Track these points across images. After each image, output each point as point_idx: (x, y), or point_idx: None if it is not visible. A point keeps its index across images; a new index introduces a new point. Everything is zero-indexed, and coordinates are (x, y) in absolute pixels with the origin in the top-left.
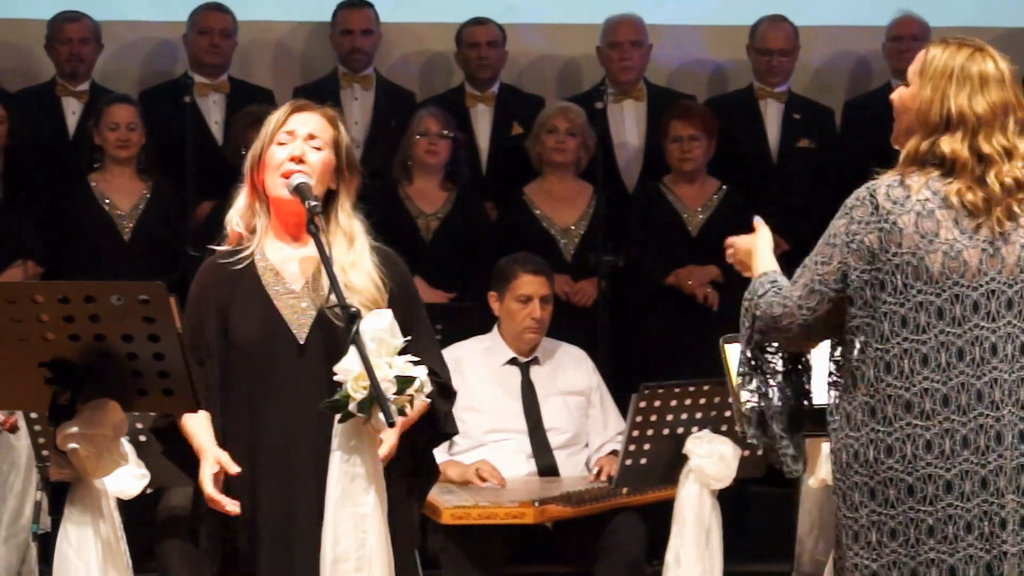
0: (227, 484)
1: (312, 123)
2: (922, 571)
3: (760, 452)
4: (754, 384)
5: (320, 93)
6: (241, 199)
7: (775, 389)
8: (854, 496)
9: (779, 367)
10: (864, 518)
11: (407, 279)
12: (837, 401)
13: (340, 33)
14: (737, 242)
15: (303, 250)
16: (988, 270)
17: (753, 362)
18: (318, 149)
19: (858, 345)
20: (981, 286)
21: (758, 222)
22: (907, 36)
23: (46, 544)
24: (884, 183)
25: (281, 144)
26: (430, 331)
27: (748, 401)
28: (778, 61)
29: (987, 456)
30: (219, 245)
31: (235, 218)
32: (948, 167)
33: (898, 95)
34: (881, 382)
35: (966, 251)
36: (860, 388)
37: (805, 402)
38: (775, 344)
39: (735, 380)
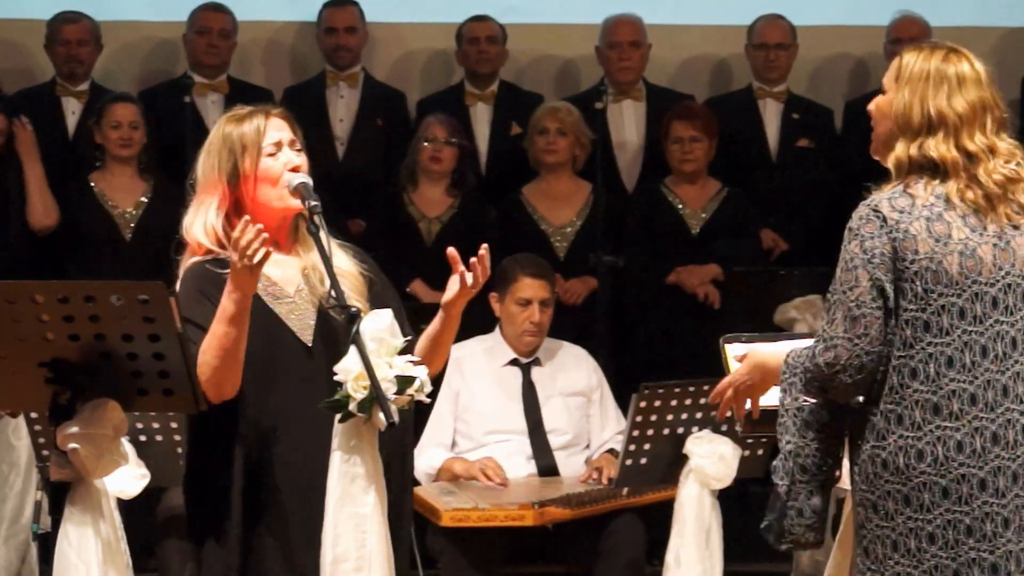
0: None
1: (286, 128)
2: (964, 571)
3: (760, 451)
4: (790, 436)
5: (309, 93)
6: (211, 211)
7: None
8: (887, 505)
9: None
10: (901, 526)
11: (379, 271)
12: (853, 413)
13: (325, 31)
14: (734, 381)
15: (289, 255)
16: (1002, 264)
17: (794, 414)
18: (300, 151)
19: None
20: (998, 281)
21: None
22: (907, 38)
23: (46, 544)
24: (884, 196)
25: (271, 155)
26: (403, 314)
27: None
28: (775, 55)
29: (1016, 451)
30: (176, 254)
31: (199, 228)
32: (942, 171)
33: (875, 104)
34: (907, 388)
35: (980, 248)
36: (881, 397)
37: (837, 471)
38: (821, 399)
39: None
